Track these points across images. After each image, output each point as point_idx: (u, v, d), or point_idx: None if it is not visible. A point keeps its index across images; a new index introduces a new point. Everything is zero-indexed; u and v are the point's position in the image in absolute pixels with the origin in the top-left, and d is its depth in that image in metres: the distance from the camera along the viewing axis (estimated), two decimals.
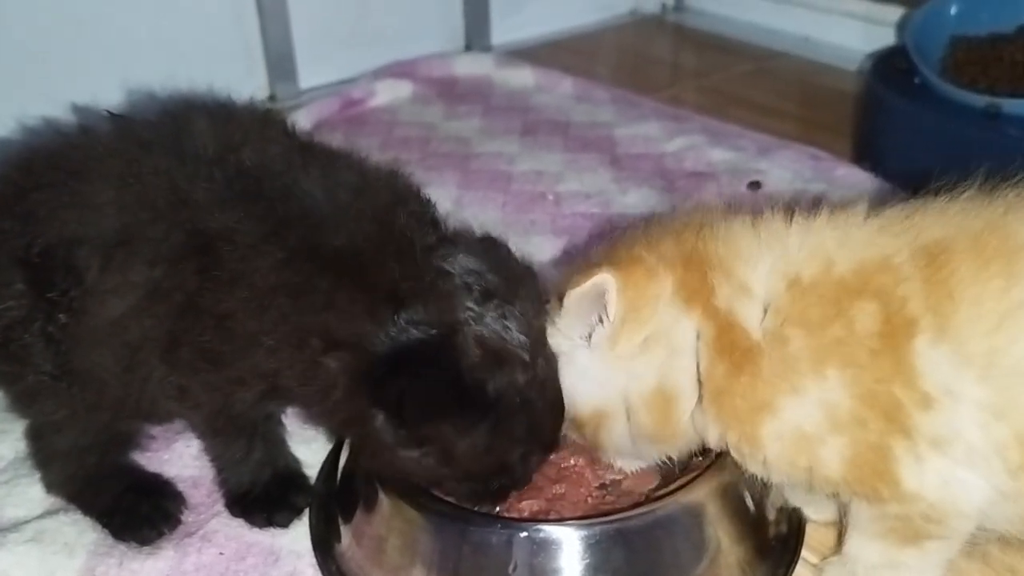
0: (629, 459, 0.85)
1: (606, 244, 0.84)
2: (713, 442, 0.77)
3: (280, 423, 0.94)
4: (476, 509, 0.81)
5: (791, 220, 0.77)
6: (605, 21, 2.37)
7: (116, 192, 0.80)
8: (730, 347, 0.73)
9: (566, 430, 0.82)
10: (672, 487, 0.82)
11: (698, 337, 0.75)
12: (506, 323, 0.75)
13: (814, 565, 0.85)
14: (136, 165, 0.81)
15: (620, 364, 0.76)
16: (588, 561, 0.77)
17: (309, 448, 0.98)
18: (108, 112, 0.90)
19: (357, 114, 1.82)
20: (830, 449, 0.72)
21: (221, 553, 0.88)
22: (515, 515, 0.83)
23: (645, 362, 0.76)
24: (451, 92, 1.92)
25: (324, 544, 0.89)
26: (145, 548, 0.89)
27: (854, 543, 0.79)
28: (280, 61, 1.92)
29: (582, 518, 0.81)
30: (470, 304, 0.74)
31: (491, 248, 0.80)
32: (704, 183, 1.52)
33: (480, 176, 1.57)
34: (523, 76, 1.95)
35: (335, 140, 0.91)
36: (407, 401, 0.72)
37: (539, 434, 0.79)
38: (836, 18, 2.08)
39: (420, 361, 0.73)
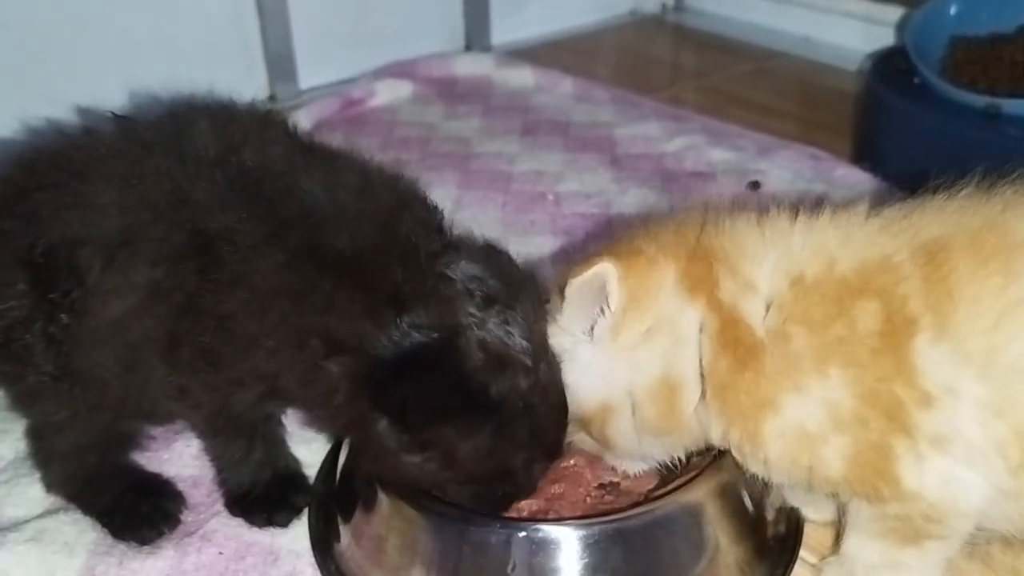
0: (635, 459, 0.84)
1: (606, 241, 0.84)
2: (716, 438, 0.77)
3: (280, 423, 0.94)
4: None
5: (795, 219, 0.77)
6: (605, 21, 2.37)
7: (118, 193, 0.80)
8: (734, 342, 0.73)
9: (573, 430, 0.82)
10: (671, 487, 0.82)
11: (701, 329, 0.75)
12: (508, 328, 0.74)
13: (813, 565, 0.85)
14: (138, 166, 0.81)
15: (623, 355, 0.76)
16: (587, 561, 0.77)
17: (309, 448, 0.98)
18: (112, 113, 0.90)
19: (357, 114, 1.82)
20: (832, 448, 0.72)
21: (221, 553, 0.89)
22: (514, 515, 0.82)
23: (648, 352, 0.76)
24: (451, 92, 1.92)
25: (323, 544, 0.89)
26: (145, 548, 0.89)
27: (853, 543, 0.79)
28: (280, 61, 1.92)
29: (581, 518, 0.81)
30: (472, 309, 0.74)
31: (493, 255, 0.80)
32: (704, 183, 1.52)
33: (480, 176, 1.57)
34: (523, 76, 1.95)
35: (335, 140, 0.91)
36: (411, 406, 0.72)
37: (542, 439, 0.78)
38: (836, 18, 2.08)
39: (423, 365, 0.72)
